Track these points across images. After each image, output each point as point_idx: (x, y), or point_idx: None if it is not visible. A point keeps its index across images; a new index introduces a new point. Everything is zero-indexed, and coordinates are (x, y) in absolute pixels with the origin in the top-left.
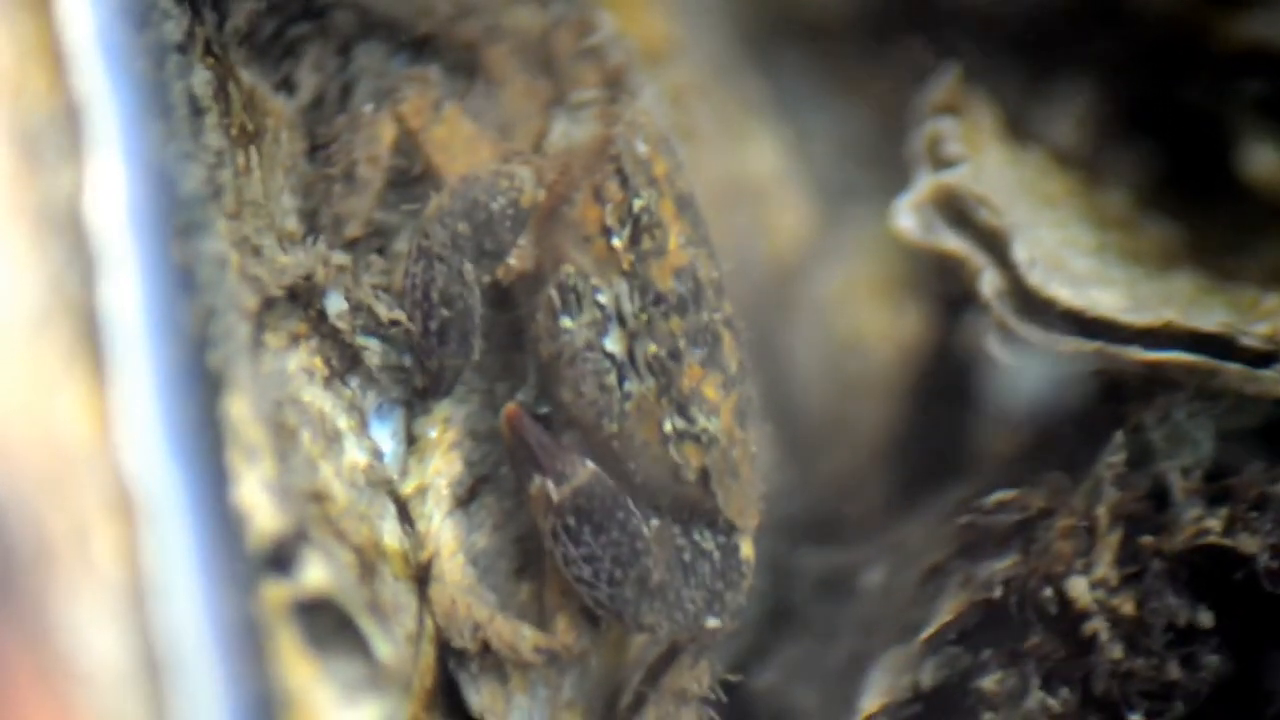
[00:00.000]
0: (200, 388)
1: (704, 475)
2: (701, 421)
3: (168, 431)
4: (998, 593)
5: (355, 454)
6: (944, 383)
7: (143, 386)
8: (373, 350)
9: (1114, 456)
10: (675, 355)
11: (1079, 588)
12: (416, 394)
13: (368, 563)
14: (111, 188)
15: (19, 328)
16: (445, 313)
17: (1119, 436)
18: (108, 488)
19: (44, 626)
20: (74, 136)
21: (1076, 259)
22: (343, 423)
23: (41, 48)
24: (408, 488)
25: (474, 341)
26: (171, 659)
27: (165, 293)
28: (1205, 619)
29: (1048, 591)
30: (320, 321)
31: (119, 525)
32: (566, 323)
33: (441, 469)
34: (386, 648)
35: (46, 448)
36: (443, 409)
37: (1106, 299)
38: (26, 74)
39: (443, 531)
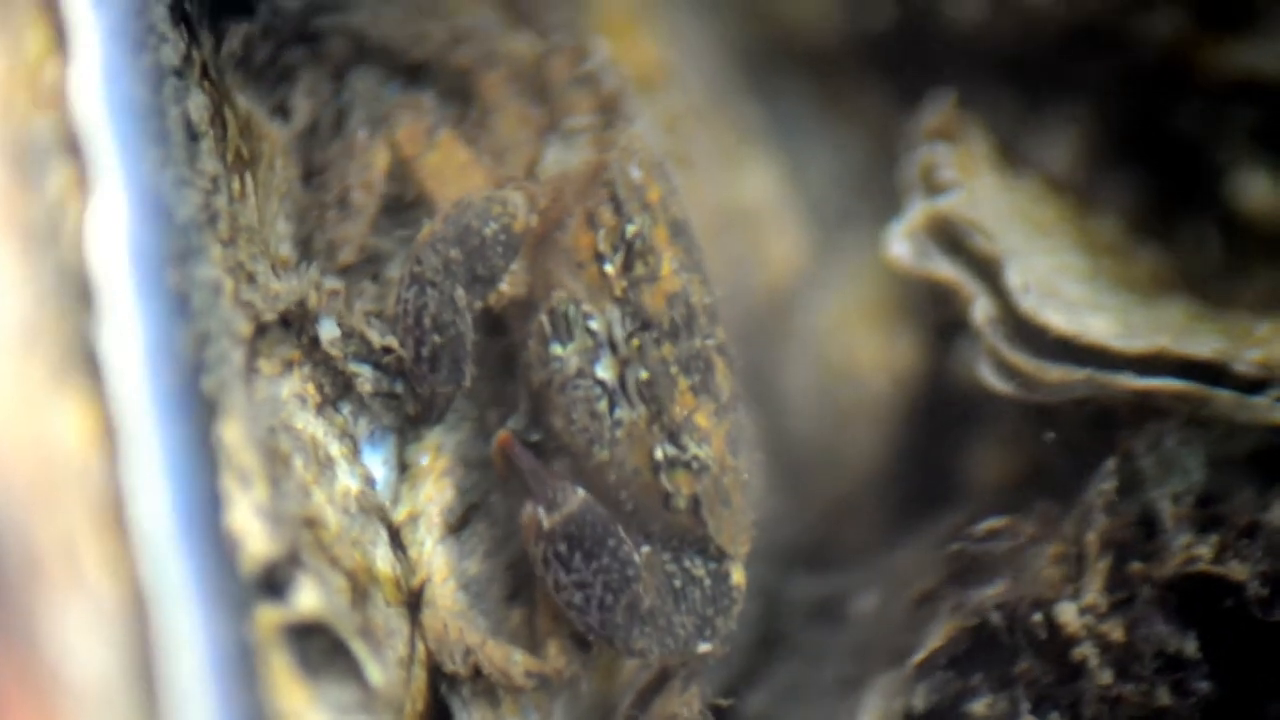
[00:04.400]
0: (195, 412)
1: (695, 503)
2: (693, 449)
3: (162, 454)
4: (988, 618)
5: (348, 480)
6: (936, 410)
7: (137, 409)
8: (365, 377)
9: (1104, 484)
10: (667, 382)
11: (1068, 614)
12: (408, 421)
13: (360, 588)
14: (107, 213)
15: (8, 342)
16: (437, 339)
17: (1110, 464)
18: (98, 504)
19: (31, 638)
20: (69, 159)
21: (1069, 285)
22: (335, 449)
23: (35, 63)
24: (400, 514)
25: (465, 368)
26: (163, 679)
27: (160, 318)
28: (1191, 649)
29: (1037, 617)
30: (313, 348)
31: (110, 542)
32: (557, 349)
33: (433, 496)
34: (378, 672)
35: (35, 461)
36: (434, 436)
37: (1099, 325)
38: (17, 88)
39: (435, 558)
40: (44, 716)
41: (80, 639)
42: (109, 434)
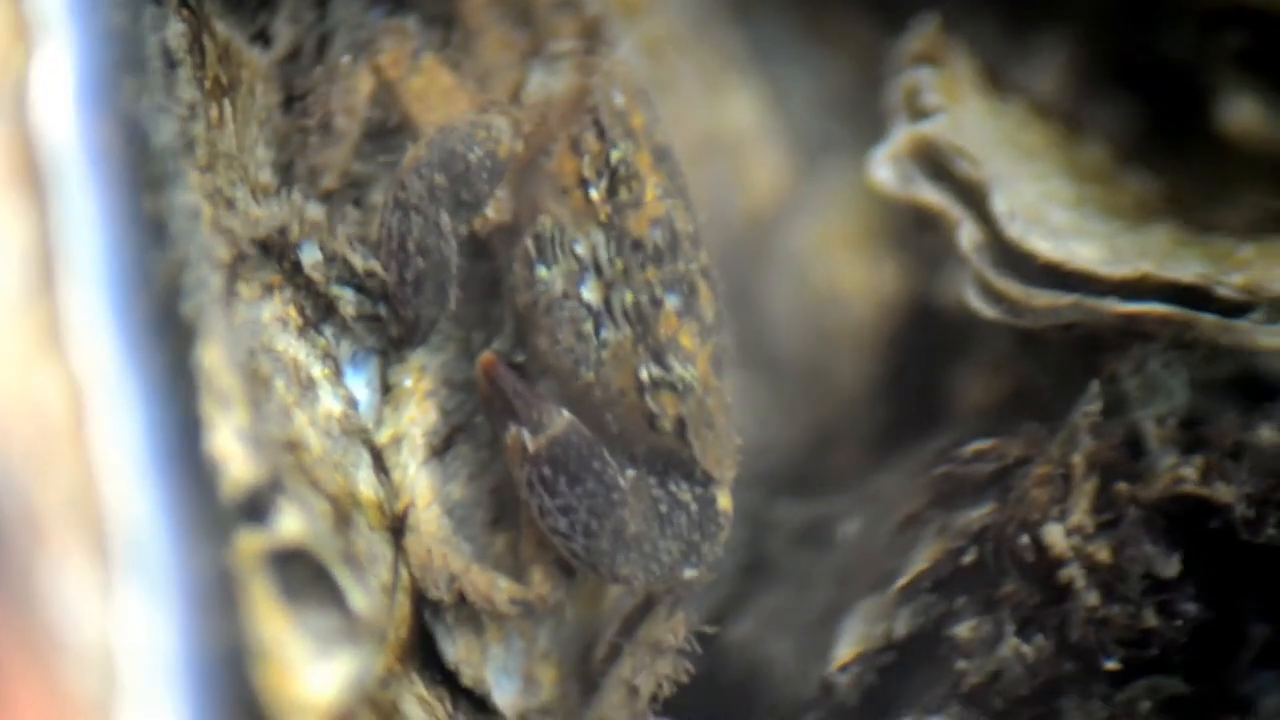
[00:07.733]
0: (172, 337)
1: (680, 424)
2: (678, 370)
3: (140, 382)
4: (974, 541)
5: (330, 403)
6: (921, 334)
7: (115, 340)
8: (347, 300)
9: (1090, 406)
10: (652, 304)
11: (1055, 535)
12: (391, 343)
13: (342, 512)
14: (78, 131)
15: (3, 302)
16: (421, 263)
17: (1095, 386)
18: (87, 456)
19: (29, 597)
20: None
21: (1056, 211)
22: (317, 371)
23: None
24: (383, 437)
25: (450, 291)
26: (145, 609)
27: (137, 244)
28: (1173, 569)
29: (1024, 539)
30: (294, 272)
31: (101, 487)
32: (543, 272)
33: (417, 418)
34: (361, 598)
35: (32, 422)
36: (418, 357)
37: (1085, 251)
38: (13, 39)
39: (418, 481)
40: (45, 678)
41: (78, 596)
42: (90, 372)
